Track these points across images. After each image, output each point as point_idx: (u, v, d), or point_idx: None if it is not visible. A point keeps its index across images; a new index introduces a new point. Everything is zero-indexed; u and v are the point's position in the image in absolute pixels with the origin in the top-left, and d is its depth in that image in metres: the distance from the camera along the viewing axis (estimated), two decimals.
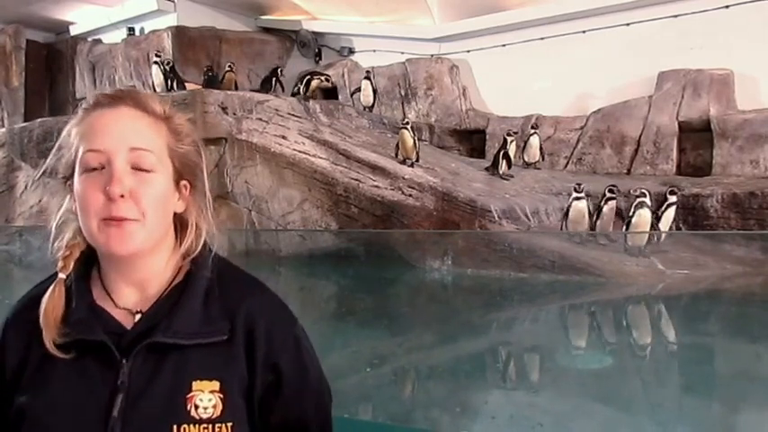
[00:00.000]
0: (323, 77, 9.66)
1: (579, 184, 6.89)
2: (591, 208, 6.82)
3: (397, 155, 7.80)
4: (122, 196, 1.00)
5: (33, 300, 1.07)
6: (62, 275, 1.06)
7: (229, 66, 10.01)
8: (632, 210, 6.45)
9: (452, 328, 4.96)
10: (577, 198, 6.76)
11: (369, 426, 2.65)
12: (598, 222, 6.77)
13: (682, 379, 3.90)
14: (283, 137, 8.01)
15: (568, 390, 3.57)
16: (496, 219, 6.82)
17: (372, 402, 3.26)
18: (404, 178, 7.36)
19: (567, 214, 6.85)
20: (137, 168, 1.03)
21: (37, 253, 8.07)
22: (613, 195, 6.75)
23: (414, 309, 6.07)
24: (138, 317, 1.05)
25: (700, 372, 3.95)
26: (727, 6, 8.24)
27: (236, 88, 9.56)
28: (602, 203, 6.76)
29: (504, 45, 9.96)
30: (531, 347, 4.66)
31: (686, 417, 3.18)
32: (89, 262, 1.10)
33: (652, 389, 3.64)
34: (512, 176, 7.94)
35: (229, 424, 1.00)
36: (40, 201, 9.25)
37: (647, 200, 6.44)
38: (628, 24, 8.93)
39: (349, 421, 2.45)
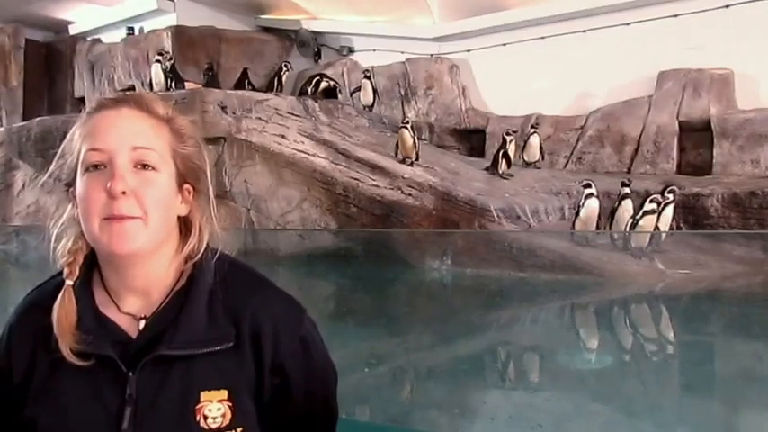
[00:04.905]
0: (330, 80, 9.67)
1: (589, 180, 6.80)
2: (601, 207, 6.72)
3: (396, 154, 7.78)
4: (124, 193, 0.99)
5: (35, 304, 1.07)
6: (69, 282, 1.05)
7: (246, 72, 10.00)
8: (640, 214, 6.40)
9: (451, 328, 4.95)
10: (590, 195, 6.63)
11: (367, 427, 2.64)
12: (613, 221, 6.64)
13: (682, 379, 3.89)
14: (282, 136, 7.99)
15: (568, 390, 3.56)
16: (496, 218, 6.79)
17: (370, 403, 3.24)
18: (403, 178, 7.34)
19: (578, 213, 6.72)
20: (139, 166, 1.02)
21: (33, 252, 8.06)
22: (628, 192, 6.64)
23: (413, 308, 6.05)
24: (142, 323, 1.05)
25: (700, 371, 3.93)
26: (727, 6, 8.22)
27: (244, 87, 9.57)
28: (616, 204, 6.65)
29: (504, 45, 9.93)
30: (531, 347, 4.64)
31: (686, 417, 3.17)
32: (90, 266, 1.09)
33: (652, 389, 3.63)
34: (511, 176, 7.92)
35: (239, 430, 1.01)
36: (37, 200, 9.24)
37: (656, 207, 6.35)
38: (628, 24, 8.91)
39: (347, 422, 2.43)
